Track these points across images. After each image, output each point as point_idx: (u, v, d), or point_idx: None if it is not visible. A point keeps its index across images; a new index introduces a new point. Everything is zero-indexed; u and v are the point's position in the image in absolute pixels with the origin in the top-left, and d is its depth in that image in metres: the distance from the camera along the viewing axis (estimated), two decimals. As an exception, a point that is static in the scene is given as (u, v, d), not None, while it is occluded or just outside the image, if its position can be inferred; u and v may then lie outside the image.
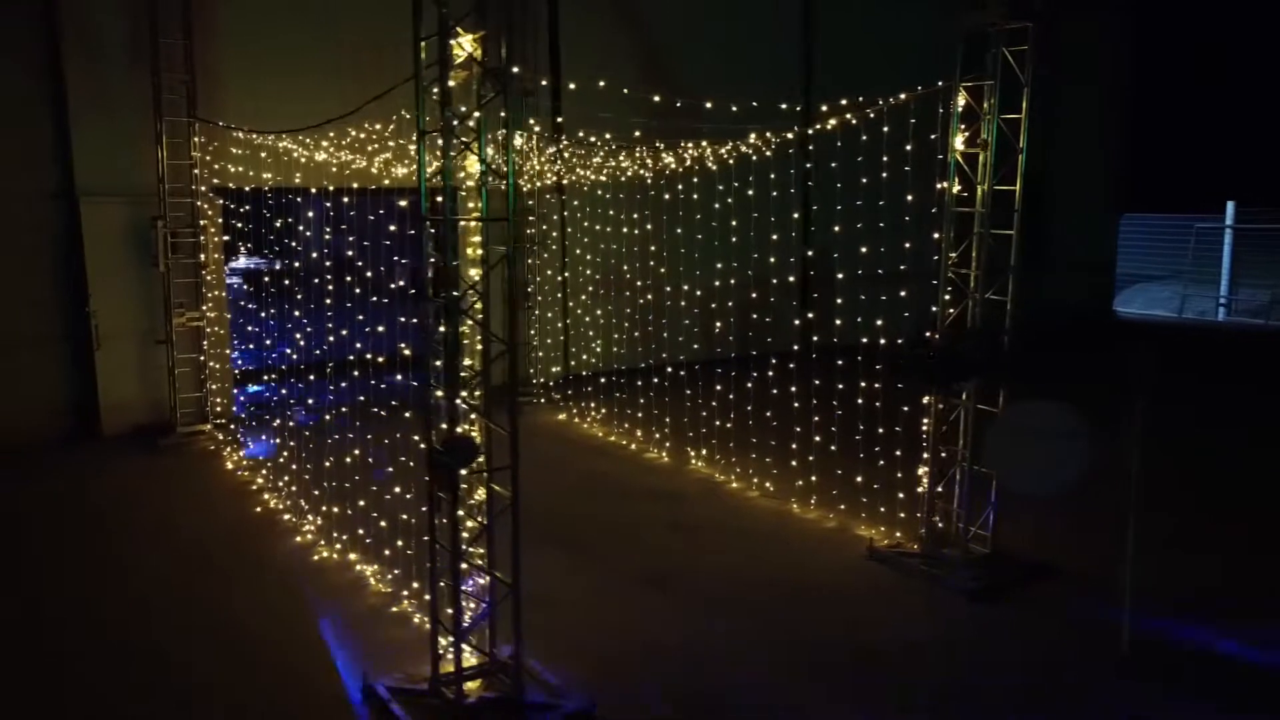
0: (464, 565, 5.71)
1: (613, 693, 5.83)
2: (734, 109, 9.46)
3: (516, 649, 5.58)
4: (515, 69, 5.79)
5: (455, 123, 5.29)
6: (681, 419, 11.53)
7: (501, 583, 5.59)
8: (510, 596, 5.47)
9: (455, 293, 5.32)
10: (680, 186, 11.69)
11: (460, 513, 5.63)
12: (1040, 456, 6.50)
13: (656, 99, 10.32)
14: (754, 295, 13.68)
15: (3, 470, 10.36)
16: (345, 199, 10.08)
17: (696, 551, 8.28)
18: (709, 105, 9.63)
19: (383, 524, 7.89)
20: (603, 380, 13.20)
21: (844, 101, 7.90)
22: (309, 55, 12.22)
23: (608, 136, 10.89)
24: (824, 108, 7.92)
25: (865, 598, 7.25)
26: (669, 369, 12.25)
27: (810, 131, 8.12)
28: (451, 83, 5.42)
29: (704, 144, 10.04)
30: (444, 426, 5.45)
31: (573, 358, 14.71)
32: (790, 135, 8.71)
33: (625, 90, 10.06)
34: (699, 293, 13.17)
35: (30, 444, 11.15)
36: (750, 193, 10.79)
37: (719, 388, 11.29)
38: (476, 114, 5.32)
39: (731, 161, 10.06)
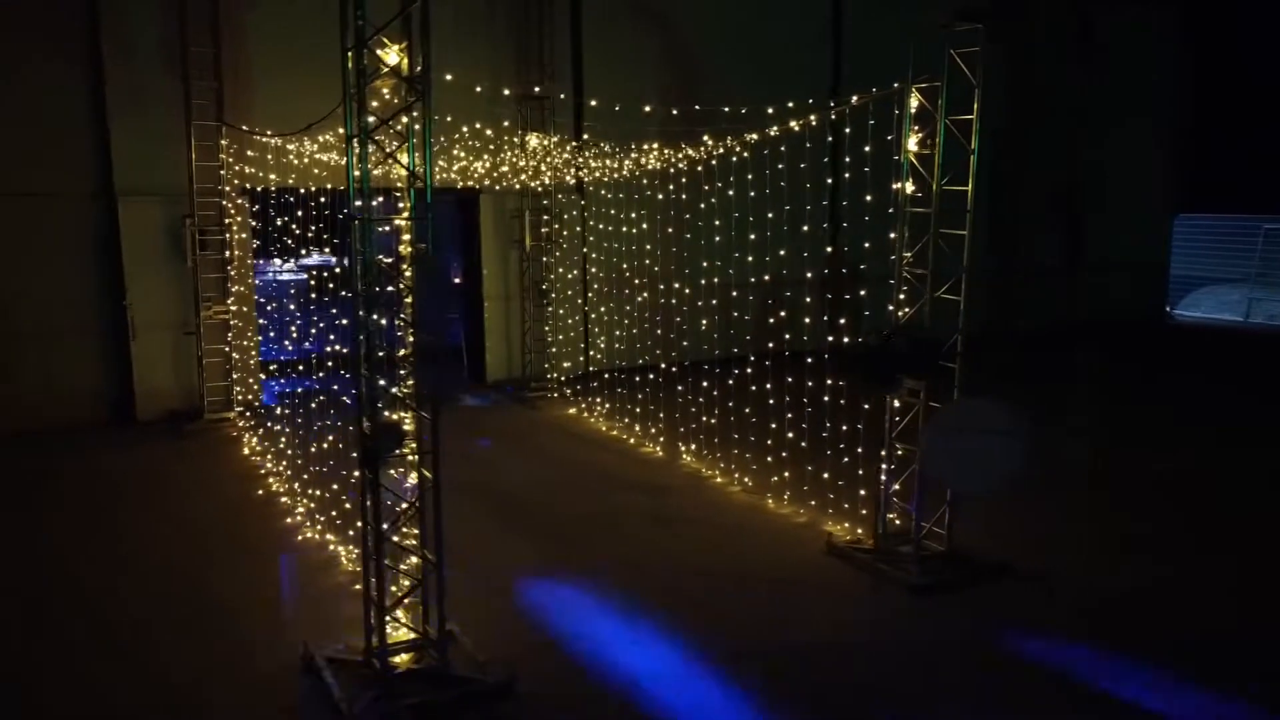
0: (401, 545, 6.08)
1: (540, 671, 6.11)
2: (724, 107, 9.59)
3: (440, 625, 5.92)
4: (442, 75, 6.11)
5: (385, 127, 5.67)
6: (680, 415, 11.74)
7: (428, 562, 5.93)
8: (462, 577, 5.82)
9: (379, 287, 5.68)
10: (674, 188, 11.90)
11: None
12: (972, 454, 6.55)
13: (676, 112, 10.54)
14: (769, 297, 13.78)
15: (38, 452, 11.16)
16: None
17: (663, 542, 8.51)
18: (726, 109, 9.74)
19: (348, 506, 8.33)
20: (607, 376, 13.50)
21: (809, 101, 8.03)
22: (334, 60, 12.72)
23: (624, 122, 11.09)
24: (770, 111, 8.04)
25: (809, 591, 7.38)
26: (664, 365, 12.48)
27: (773, 132, 8.23)
28: (385, 90, 5.83)
29: (727, 141, 10.09)
30: (374, 412, 5.80)
31: (582, 354, 15.00)
32: (781, 129, 8.78)
33: (646, 109, 10.30)
34: (689, 292, 13.28)
35: (71, 428, 11.99)
36: (730, 194, 10.93)
37: (705, 384, 11.49)
38: (405, 119, 5.67)
39: (716, 162, 10.21)
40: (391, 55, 5.61)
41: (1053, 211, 20.77)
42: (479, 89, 10.90)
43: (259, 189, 12.27)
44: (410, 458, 5.99)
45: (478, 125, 11.42)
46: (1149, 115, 21.30)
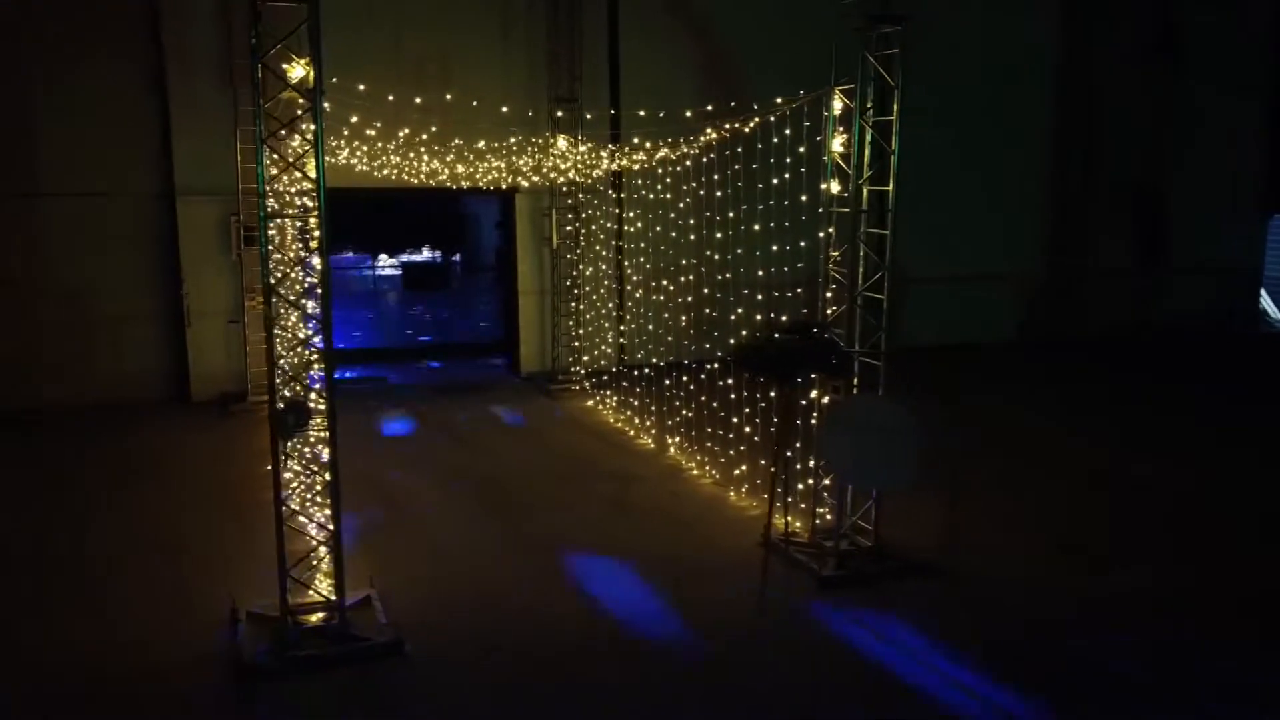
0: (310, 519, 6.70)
1: (440, 633, 6.65)
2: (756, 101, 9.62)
3: (339, 588, 6.51)
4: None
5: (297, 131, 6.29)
6: (677, 411, 12.01)
7: (329, 533, 6.53)
8: (396, 544, 6.40)
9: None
10: (695, 186, 12.16)
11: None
12: (863, 449, 6.66)
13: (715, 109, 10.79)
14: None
15: (97, 425, 12.43)
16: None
17: (609, 527, 8.89)
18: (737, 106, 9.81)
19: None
20: (615, 370, 13.90)
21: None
22: (375, 67, 13.50)
23: (649, 123, 11.38)
24: (688, 113, 8.27)
25: (722, 576, 7.65)
26: (655, 361, 12.80)
27: (722, 137, 8.46)
28: (301, 100, 6.44)
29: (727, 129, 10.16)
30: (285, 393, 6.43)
31: (598, 349, 15.39)
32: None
33: (664, 114, 10.60)
34: (697, 291, 13.47)
35: (137, 405, 13.34)
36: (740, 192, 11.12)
37: (707, 381, 11.73)
38: (312, 128, 6.27)
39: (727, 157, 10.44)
40: (298, 69, 6.21)
41: (1130, 211, 19.95)
42: (513, 92, 11.29)
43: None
44: (321, 434, 6.60)
45: (512, 127, 12.01)
46: (1238, 111, 20.15)
